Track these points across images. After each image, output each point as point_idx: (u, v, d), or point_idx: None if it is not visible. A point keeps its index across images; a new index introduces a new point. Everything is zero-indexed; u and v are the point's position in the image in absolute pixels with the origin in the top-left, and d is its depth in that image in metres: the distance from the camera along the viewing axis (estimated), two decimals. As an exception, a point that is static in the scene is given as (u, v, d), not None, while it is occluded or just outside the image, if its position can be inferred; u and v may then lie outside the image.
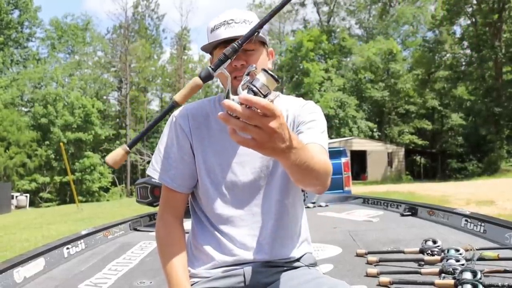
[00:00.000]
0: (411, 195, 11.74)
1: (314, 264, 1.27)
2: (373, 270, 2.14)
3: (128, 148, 0.98)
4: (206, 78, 0.98)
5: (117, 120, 36.53)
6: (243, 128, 0.76)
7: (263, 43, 1.17)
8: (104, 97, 36.48)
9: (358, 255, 2.55)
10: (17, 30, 36.83)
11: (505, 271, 1.95)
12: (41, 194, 28.32)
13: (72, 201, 22.04)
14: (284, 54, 35.22)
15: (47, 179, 28.70)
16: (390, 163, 28.81)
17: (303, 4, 38.72)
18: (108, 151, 32.51)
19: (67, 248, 2.89)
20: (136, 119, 37.01)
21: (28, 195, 24.35)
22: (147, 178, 4.65)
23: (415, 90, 32.01)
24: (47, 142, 29.51)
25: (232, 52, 0.96)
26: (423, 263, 2.24)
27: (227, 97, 0.83)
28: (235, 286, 1.15)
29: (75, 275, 2.53)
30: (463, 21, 30.05)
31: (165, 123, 1.28)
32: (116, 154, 0.97)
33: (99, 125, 31.42)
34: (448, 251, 2.25)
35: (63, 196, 28.90)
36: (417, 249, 2.48)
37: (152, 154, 1.28)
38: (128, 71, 34.06)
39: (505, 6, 26.19)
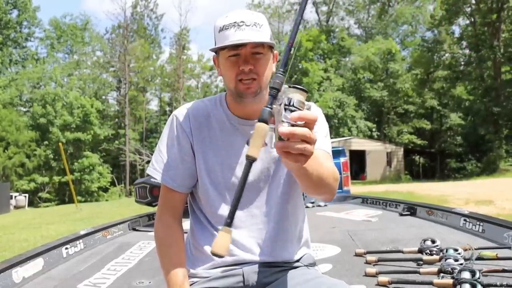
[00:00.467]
0: (410, 194, 11.71)
1: (313, 264, 1.27)
2: (372, 269, 2.15)
3: (229, 228, 0.85)
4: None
5: (116, 120, 36.45)
6: (297, 146, 0.78)
7: (271, 47, 1.15)
8: (103, 97, 36.42)
9: (357, 254, 2.56)
10: (16, 30, 36.78)
11: (504, 271, 1.95)
12: (40, 194, 28.25)
13: (71, 201, 22.01)
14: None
15: (46, 179, 28.63)
16: (389, 163, 28.80)
17: (302, 4, 38.70)
18: (107, 151, 32.57)
19: (66, 248, 2.89)
20: (135, 119, 36.97)
21: (27, 195, 24.25)
22: (146, 178, 4.66)
23: (414, 90, 32.02)
24: (46, 142, 29.44)
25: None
26: (422, 262, 2.25)
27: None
28: (235, 286, 1.15)
29: (74, 275, 2.53)
30: (462, 21, 30.10)
31: (165, 123, 1.28)
32: (224, 240, 0.83)
33: (98, 125, 31.36)
34: (446, 251, 2.26)
35: (62, 196, 28.84)
36: (416, 248, 2.49)
37: (152, 154, 1.28)
38: (127, 71, 33.99)
39: (503, 6, 26.19)
